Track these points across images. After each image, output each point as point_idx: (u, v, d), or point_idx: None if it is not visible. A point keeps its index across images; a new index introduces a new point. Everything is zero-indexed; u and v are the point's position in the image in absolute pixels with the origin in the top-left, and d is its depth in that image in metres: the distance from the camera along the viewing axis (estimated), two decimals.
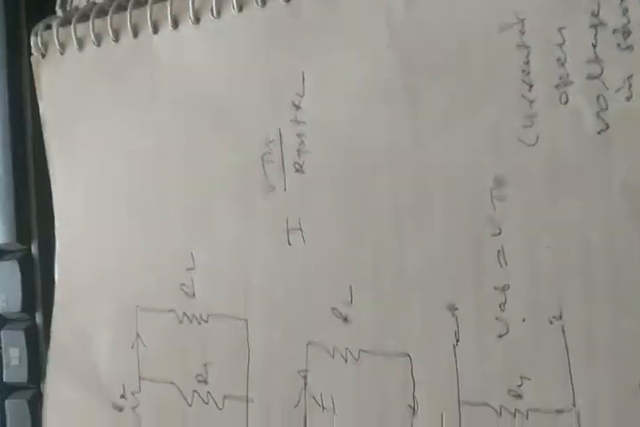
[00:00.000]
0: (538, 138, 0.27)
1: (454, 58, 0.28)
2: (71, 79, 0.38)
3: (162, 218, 0.35)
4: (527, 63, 0.26)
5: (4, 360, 0.39)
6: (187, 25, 0.34)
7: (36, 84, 0.39)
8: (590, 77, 0.25)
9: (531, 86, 0.26)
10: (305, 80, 0.31)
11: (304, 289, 0.32)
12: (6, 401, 0.39)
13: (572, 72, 0.26)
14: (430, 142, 0.28)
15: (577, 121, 0.26)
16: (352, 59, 0.30)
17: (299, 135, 0.31)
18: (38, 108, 0.39)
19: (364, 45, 0.30)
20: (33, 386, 0.39)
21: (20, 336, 0.38)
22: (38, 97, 0.39)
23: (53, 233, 0.38)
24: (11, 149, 0.39)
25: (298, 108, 0.31)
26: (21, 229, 0.39)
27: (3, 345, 0.39)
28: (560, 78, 0.26)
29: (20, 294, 0.39)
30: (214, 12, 0.33)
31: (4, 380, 0.39)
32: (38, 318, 0.40)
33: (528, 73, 0.26)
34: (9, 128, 0.39)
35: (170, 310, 0.35)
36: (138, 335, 0.36)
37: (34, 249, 0.40)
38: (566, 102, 0.26)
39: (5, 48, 0.40)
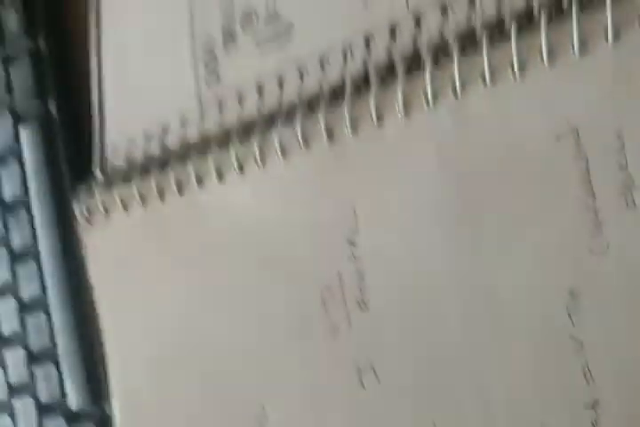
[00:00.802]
0: (608, 247, 0.26)
1: (511, 174, 0.28)
2: (119, 243, 0.38)
3: (226, 376, 0.34)
4: (587, 172, 0.26)
5: None
6: (232, 176, 0.34)
7: (83, 247, 0.39)
8: None
9: (594, 195, 0.26)
10: (357, 216, 0.31)
11: None
12: None
13: (635, 175, 0.25)
14: (495, 264, 0.28)
15: None
16: (403, 187, 0.30)
17: (358, 272, 0.31)
18: None
19: (414, 174, 0.30)
20: None
21: None
22: (86, 261, 0.39)
23: None
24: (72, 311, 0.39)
25: (354, 244, 0.31)
26: (94, 391, 0.38)
27: None
28: (623, 183, 0.26)
29: None
30: (258, 160, 0.33)
31: None
32: None
33: (589, 181, 0.26)
34: (67, 289, 0.39)
35: None
36: None
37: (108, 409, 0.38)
38: (634, 207, 0.25)
39: (55, 215, 0.40)
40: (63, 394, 0.39)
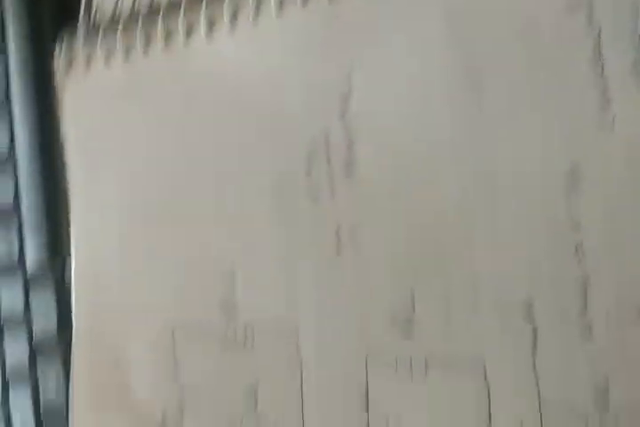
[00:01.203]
0: (614, 122, 0.25)
1: (522, 45, 0.26)
2: (97, 96, 0.36)
3: (199, 233, 0.33)
4: (599, 46, 0.25)
5: None
6: (222, 31, 0.32)
7: (60, 101, 0.37)
8: None
9: (604, 70, 0.25)
10: (352, 76, 0.29)
11: (360, 301, 0.29)
12: None
13: None
14: (498, 134, 0.27)
15: None
16: (406, 50, 0.28)
17: (348, 135, 0.30)
18: None
19: (419, 36, 0.28)
20: None
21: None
22: (61, 115, 0.37)
23: None
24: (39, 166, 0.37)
25: (346, 105, 0.30)
26: (54, 247, 0.37)
27: None
28: (635, 59, 0.24)
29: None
30: (251, 15, 0.31)
31: None
32: None
33: (600, 56, 0.25)
34: (36, 143, 0.38)
35: (212, 331, 0.33)
36: (176, 361, 0.34)
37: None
38: None
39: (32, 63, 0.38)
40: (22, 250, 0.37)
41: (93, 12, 0.37)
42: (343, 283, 0.30)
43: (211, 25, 0.33)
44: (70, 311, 0.36)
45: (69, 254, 0.36)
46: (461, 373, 0.27)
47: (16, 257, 0.38)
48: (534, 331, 0.26)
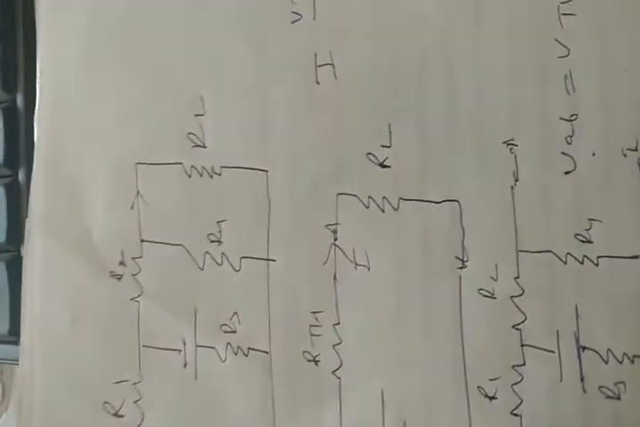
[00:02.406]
0: None
1: None
2: None
3: (165, 58, 0.31)
4: None
5: None
6: None
7: None
8: None
9: None
10: None
11: (334, 133, 0.27)
12: None
13: None
14: None
15: None
16: None
17: None
18: None
19: None
20: (13, 249, 0.35)
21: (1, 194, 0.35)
22: None
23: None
24: None
25: None
26: (7, 77, 0.35)
27: None
28: None
29: (1, 148, 0.35)
30: None
31: None
32: (21, 176, 0.35)
33: None
34: None
35: (176, 164, 0.31)
36: (138, 193, 0.32)
37: (19, 100, 0.35)
38: None
39: None
40: None
41: None
42: (320, 114, 0.28)
43: None
44: None
45: None
46: (435, 212, 0.26)
47: None
48: (515, 169, 0.24)
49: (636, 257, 0.23)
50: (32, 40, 0.34)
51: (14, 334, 0.34)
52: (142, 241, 0.32)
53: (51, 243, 0.33)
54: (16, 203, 0.35)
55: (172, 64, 0.31)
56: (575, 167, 0.24)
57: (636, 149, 0.23)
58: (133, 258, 0.32)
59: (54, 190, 0.34)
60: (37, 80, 0.34)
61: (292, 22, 0.28)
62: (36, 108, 0.34)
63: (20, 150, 0.36)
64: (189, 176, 0.31)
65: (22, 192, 0.35)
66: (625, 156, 0.23)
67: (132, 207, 0.32)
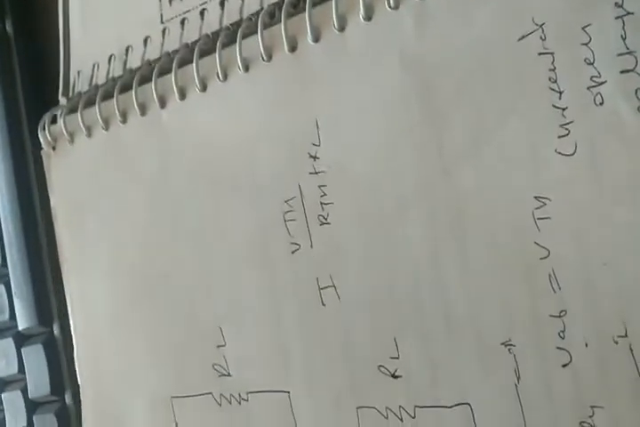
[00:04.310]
0: (576, 146, 0.24)
1: (475, 75, 0.26)
2: (82, 168, 0.37)
3: (184, 296, 0.33)
4: (553, 69, 0.25)
5: None
6: (194, 93, 0.33)
7: (46, 177, 0.38)
8: (624, 71, 0.24)
9: (561, 93, 0.25)
10: (319, 128, 0.30)
11: (345, 350, 0.29)
12: None
13: (602, 70, 0.24)
14: (461, 168, 0.26)
15: (616, 122, 0.24)
16: (366, 97, 0.29)
17: (320, 187, 0.30)
18: (47, 199, 0.38)
19: (376, 82, 0.28)
20: None
21: (51, 420, 0.36)
22: (49, 190, 0.38)
23: None
24: (24, 235, 0.38)
25: (315, 158, 0.30)
26: (42, 312, 0.38)
27: None
28: (591, 79, 0.24)
29: (47, 376, 0.37)
30: (220, 75, 0.32)
31: None
32: (68, 399, 0.37)
33: (555, 80, 0.25)
34: (20, 216, 0.38)
35: (206, 394, 0.32)
36: (177, 425, 0.33)
37: (56, 330, 0.38)
38: (602, 103, 0.24)
39: (9, 145, 0.39)
40: (12, 315, 0.38)
41: (71, 87, 0.38)
42: (330, 333, 0.29)
43: (182, 90, 0.33)
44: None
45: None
46: (451, 417, 0.26)
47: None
48: (516, 367, 0.25)
49: None
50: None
51: None
52: None
53: None
54: None
55: (191, 300, 0.33)
56: (571, 360, 0.25)
57: (625, 336, 0.24)
58: None
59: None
60: (70, 318, 0.37)
61: (293, 252, 0.30)
62: (74, 348, 0.36)
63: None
64: (219, 404, 0.32)
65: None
66: (616, 343, 0.24)
67: None
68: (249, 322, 0.31)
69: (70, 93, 0.38)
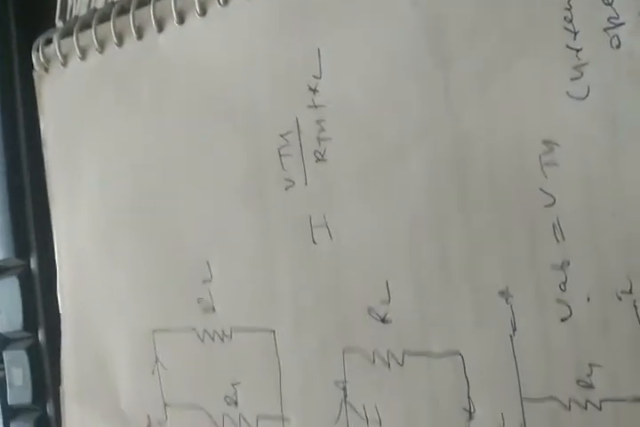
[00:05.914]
0: (589, 90, 0.23)
1: (488, 11, 0.25)
2: (74, 91, 0.36)
3: (172, 228, 0.32)
4: (569, 9, 0.23)
5: (7, 381, 0.36)
6: (193, 18, 0.32)
7: (37, 100, 0.37)
8: None
9: (575, 33, 0.23)
10: (321, 59, 0.28)
11: (335, 291, 0.28)
12: (11, 424, 0.36)
13: (621, 11, 0.23)
14: (467, 110, 0.25)
15: (633, 66, 0.23)
16: (372, 29, 0.27)
17: (318, 121, 0.29)
18: (32, 122, 0.37)
19: (384, 14, 0.27)
20: (38, 408, 0.36)
21: (22, 356, 0.36)
22: (40, 113, 0.37)
23: (52, 247, 0.36)
24: (5, 163, 0.37)
25: (315, 91, 0.29)
26: (20, 245, 0.37)
27: (6, 366, 0.36)
28: (608, 20, 0.23)
29: (20, 311, 0.36)
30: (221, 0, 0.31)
31: (9, 402, 0.36)
32: (41, 336, 0.37)
33: (571, 19, 0.23)
34: (2, 143, 0.37)
35: (189, 329, 0.32)
36: (157, 359, 0.33)
37: (33, 264, 0.37)
38: (618, 46, 0.23)
39: None
40: None
41: (68, 11, 0.37)
42: (320, 273, 0.28)
43: (181, 13, 0.32)
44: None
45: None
46: (440, 366, 0.26)
47: None
48: (512, 319, 0.25)
49: (638, 400, 0.23)
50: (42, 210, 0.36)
51: None
52: (166, 405, 0.32)
53: (84, 410, 0.34)
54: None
55: (179, 233, 0.32)
56: (571, 314, 0.24)
57: (630, 292, 0.23)
58: (159, 422, 0.33)
59: (83, 360, 0.35)
60: (55, 246, 0.36)
61: (286, 189, 0.29)
62: (58, 282, 0.36)
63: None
64: (202, 341, 0.31)
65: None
66: (620, 299, 0.23)
67: (153, 373, 0.33)
68: (237, 257, 0.30)
69: (68, 17, 0.37)
